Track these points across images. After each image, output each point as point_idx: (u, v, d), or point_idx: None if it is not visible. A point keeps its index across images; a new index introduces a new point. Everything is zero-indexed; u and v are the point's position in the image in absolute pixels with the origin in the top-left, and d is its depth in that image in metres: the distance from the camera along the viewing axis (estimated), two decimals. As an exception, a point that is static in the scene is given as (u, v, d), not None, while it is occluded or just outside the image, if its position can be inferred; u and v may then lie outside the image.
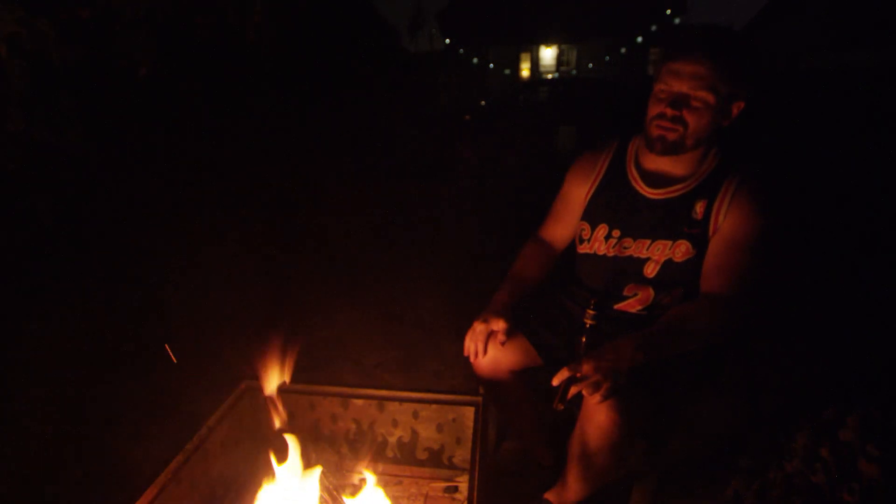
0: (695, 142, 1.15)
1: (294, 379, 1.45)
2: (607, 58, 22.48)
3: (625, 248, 1.25)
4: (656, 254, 1.22)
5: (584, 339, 1.12)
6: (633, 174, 1.27)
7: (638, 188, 1.25)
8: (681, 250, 1.19)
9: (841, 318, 2.51)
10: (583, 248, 1.34)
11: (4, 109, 2.11)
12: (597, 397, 1.00)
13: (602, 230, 1.29)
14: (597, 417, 1.10)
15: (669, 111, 1.12)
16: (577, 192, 1.37)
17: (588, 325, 1.13)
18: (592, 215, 1.32)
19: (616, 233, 1.27)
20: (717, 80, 1.08)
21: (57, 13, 2.24)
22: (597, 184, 1.33)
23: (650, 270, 1.23)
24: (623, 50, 22.24)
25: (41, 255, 2.97)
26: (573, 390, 1.02)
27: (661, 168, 1.22)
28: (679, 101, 1.11)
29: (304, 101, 5.22)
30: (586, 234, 1.32)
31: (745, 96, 1.13)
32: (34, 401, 1.93)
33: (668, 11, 21.87)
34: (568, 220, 1.40)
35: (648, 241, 1.23)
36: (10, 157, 2.23)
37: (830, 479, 1.15)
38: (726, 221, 1.15)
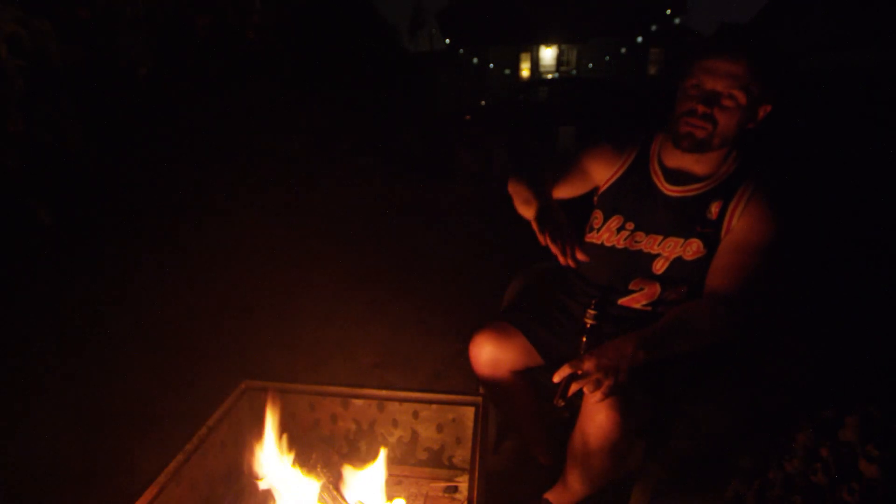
0: (721, 141, 1.15)
1: (294, 379, 1.45)
2: (607, 58, 22.47)
3: (636, 241, 1.25)
4: (667, 250, 1.22)
5: (584, 339, 1.12)
6: (656, 170, 1.27)
7: (658, 184, 1.25)
8: (692, 249, 1.19)
9: (841, 318, 2.51)
10: (590, 237, 1.34)
11: (4, 109, 2.11)
12: (597, 395, 1.00)
13: (616, 221, 1.29)
14: (597, 417, 1.10)
15: (701, 108, 1.11)
16: (597, 172, 1.36)
17: (589, 325, 1.12)
18: (608, 205, 1.32)
19: (630, 225, 1.27)
20: (750, 81, 1.08)
21: (57, 13, 2.24)
22: (619, 175, 1.32)
23: (659, 266, 1.23)
24: (623, 50, 22.24)
25: (41, 255, 2.97)
26: (574, 387, 1.02)
27: (683, 166, 1.22)
28: (711, 99, 1.11)
29: (303, 101, 5.22)
30: (597, 222, 1.32)
31: (772, 100, 1.13)
32: (34, 401, 1.93)
33: (668, 11, 21.87)
34: (576, 184, 1.38)
35: (661, 237, 1.23)
36: (10, 157, 2.24)
37: (830, 479, 1.15)
38: (739, 224, 1.15)
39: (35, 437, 1.75)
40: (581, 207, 1.43)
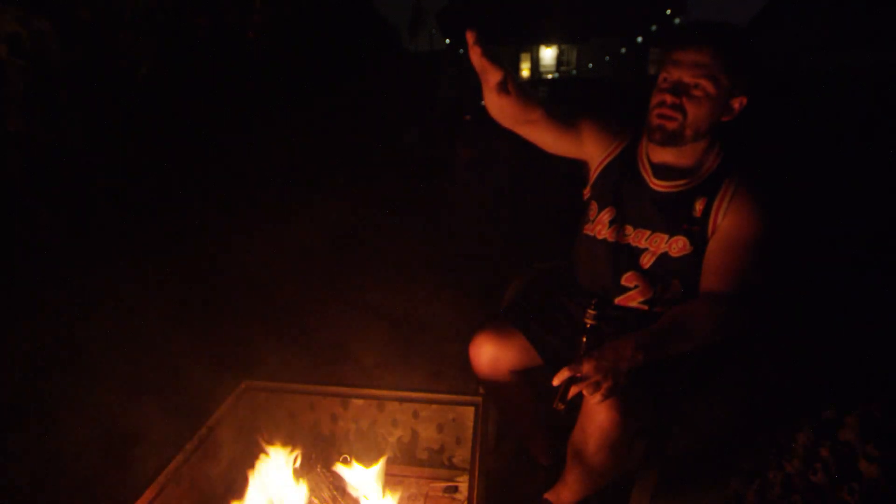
0: (694, 133, 1.14)
1: (294, 379, 1.45)
2: (607, 58, 22.49)
3: (625, 234, 1.26)
4: (653, 245, 1.22)
5: (584, 339, 1.12)
6: (644, 163, 1.27)
7: (646, 178, 1.25)
8: (677, 246, 1.19)
9: (841, 317, 2.51)
10: (587, 229, 1.34)
11: (4, 109, 2.11)
12: (597, 397, 1.00)
13: (608, 213, 1.29)
14: (597, 417, 1.10)
15: (669, 98, 1.12)
16: (590, 142, 1.33)
17: (588, 325, 1.12)
18: (601, 195, 1.31)
19: (620, 218, 1.27)
20: (717, 70, 1.08)
21: (57, 13, 2.24)
22: (610, 159, 1.31)
23: (646, 261, 1.23)
24: (623, 50, 22.26)
25: (41, 255, 2.97)
26: (573, 390, 1.02)
27: (667, 160, 1.22)
28: (679, 89, 1.11)
29: (303, 101, 5.22)
30: (593, 213, 1.32)
31: (746, 91, 1.12)
32: (34, 400, 1.93)
33: (668, 11, 21.89)
34: (564, 137, 1.32)
35: (648, 232, 1.23)
36: (10, 157, 2.24)
37: (830, 479, 1.15)
38: (725, 221, 1.15)
39: (35, 437, 1.75)
40: (579, 202, 1.42)
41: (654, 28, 21.59)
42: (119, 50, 2.63)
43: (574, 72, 22.91)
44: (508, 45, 22.05)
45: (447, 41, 22.12)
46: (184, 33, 3.08)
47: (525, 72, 23.32)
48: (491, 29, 21.19)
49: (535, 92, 1.28)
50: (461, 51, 22.45)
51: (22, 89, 2.11)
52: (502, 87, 1.17)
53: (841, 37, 12.83)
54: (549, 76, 22.49)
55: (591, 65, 22.89)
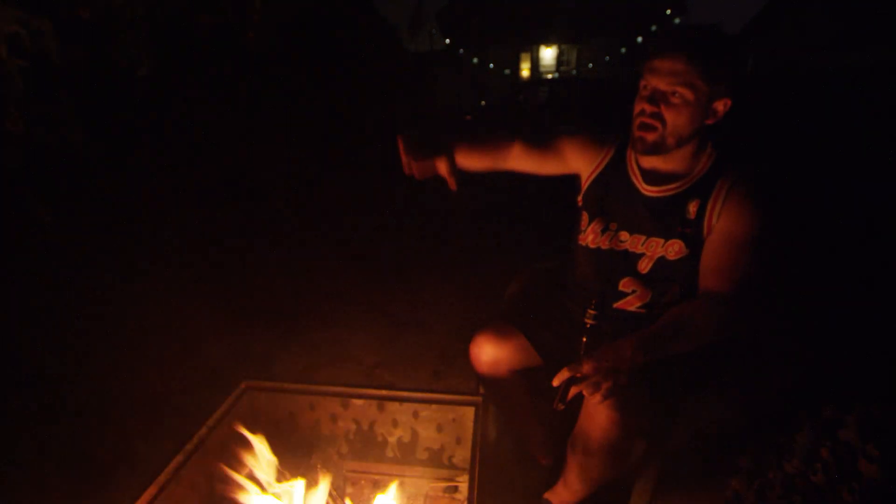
0: (676, 140, 1.14)
1: (294, 379, 1.46)
2: (607, 58, 22.51)
3: (621, 241, 1.26)
4: (650, 250, 1.22)
5: (584, 340, 1.12)
6: (634, 169, 1.27)
7: (636, 183, 1.25)
8: (674, 249, 1.19)
9: (841, 317, 2.51)
10: (580, 239, 1.34)
11: (4, 109, 2.11)
12: (597, 397, 1.00)
13: (600, 223, 1.29)
14: (597, 417, 1.10)
15: (648, 107, 1.12)
16: (575, 160, 1.35)
17: (588, 326, 1.12)
18: (592, 207, 1.31)
19: (613, 226, 1.27)
20: (693, 77, 1.08)
21: (57, 13, 2.24)
22: (598, 172, 1.32)
23: (644, 266, 1.23)
24: (623, 50, 22.27)
25: (41, 255, 2.97)
26: (573, 391, 1.02)
27: (656, 166, 1.23)
28: (656, 98, 1.12)
29: (303, 101, 5.22)
30: (583, 224, 1.33)
31: (728, 94, 1.12)
32: (35, 401, 1.93)
33: (668, 11, 21.92)
34: (547, 161, 1.36)
35: (644, 237, 1.23)
36: (10, 157, 2.24)
37: (830, 479, 1.15)
38: (720, 221, 1.15)
39: (35, 437, 1.75)
40: (571, 209, 1.43)
41: (654, 28, 21.60)
42: (119, 50, 2.63)
43: (574, 72, 22.92)
44: (508, 45, 22.06)
45: (447, 41, 22.13)
46: (184, 33, 3.08)
47: (525, 72, 23.33)
48: (491, 29, 21.21)
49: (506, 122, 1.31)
50: (461, 51, 22.49)
51: (22, 89, 2.11)
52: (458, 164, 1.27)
53: (841, 37, 12.85)
54: (549, 76, 22.49)
55: (591, 65, 22.91)
